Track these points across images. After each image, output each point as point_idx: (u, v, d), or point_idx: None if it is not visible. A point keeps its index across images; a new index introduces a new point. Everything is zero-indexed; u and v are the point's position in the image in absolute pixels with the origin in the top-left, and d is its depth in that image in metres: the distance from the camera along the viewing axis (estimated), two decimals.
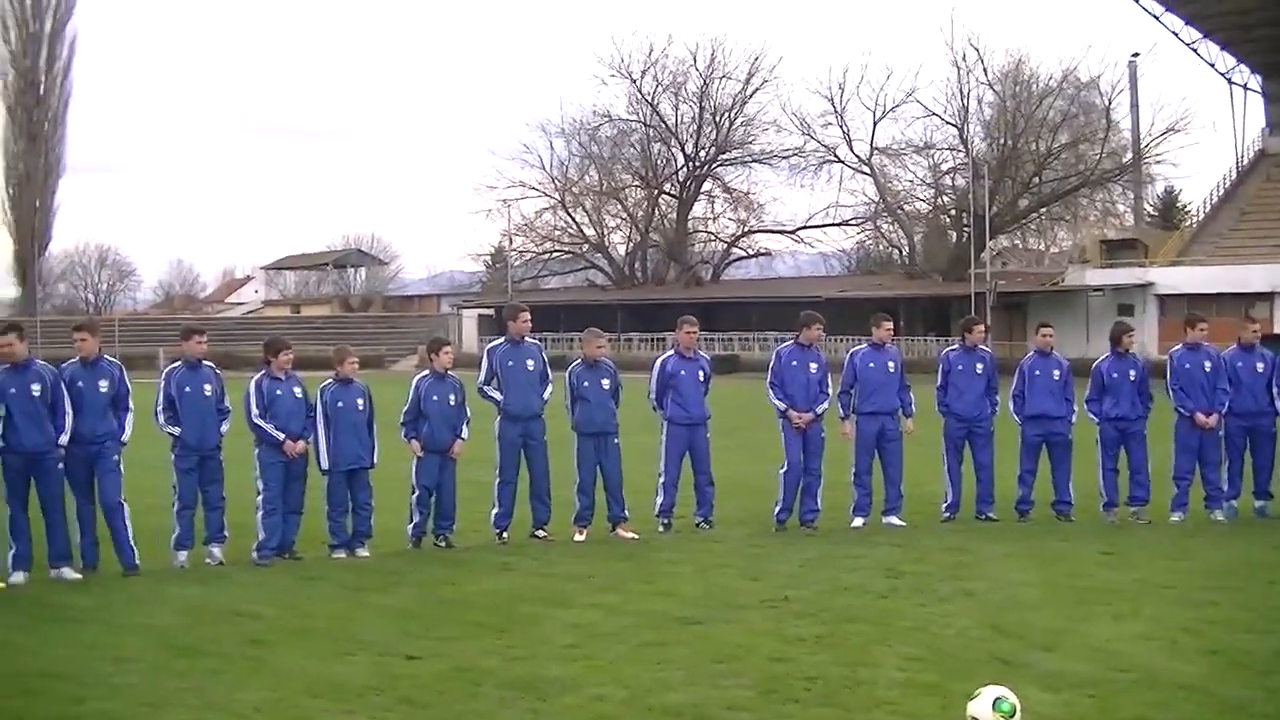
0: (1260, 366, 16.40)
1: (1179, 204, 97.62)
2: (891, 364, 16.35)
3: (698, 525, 15.75)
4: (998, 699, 7.47)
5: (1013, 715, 7.41)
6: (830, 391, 16.05)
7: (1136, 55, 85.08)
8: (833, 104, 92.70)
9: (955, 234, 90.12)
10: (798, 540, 14.99)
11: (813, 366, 16.00)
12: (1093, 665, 9.07)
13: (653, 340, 73.56)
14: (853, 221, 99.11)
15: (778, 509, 15.88)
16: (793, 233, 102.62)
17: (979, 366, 16.56)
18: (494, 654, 9.56)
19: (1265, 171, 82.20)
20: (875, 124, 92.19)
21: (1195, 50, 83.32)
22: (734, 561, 13.49)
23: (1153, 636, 9.94)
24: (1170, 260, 74.90)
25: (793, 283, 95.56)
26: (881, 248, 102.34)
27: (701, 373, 15.96)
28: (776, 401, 15.84)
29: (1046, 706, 8.00)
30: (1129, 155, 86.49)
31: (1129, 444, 16.34)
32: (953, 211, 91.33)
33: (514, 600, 11.63)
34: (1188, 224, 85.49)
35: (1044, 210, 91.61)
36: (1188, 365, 16.36)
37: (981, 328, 17.22)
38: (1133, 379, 16.40)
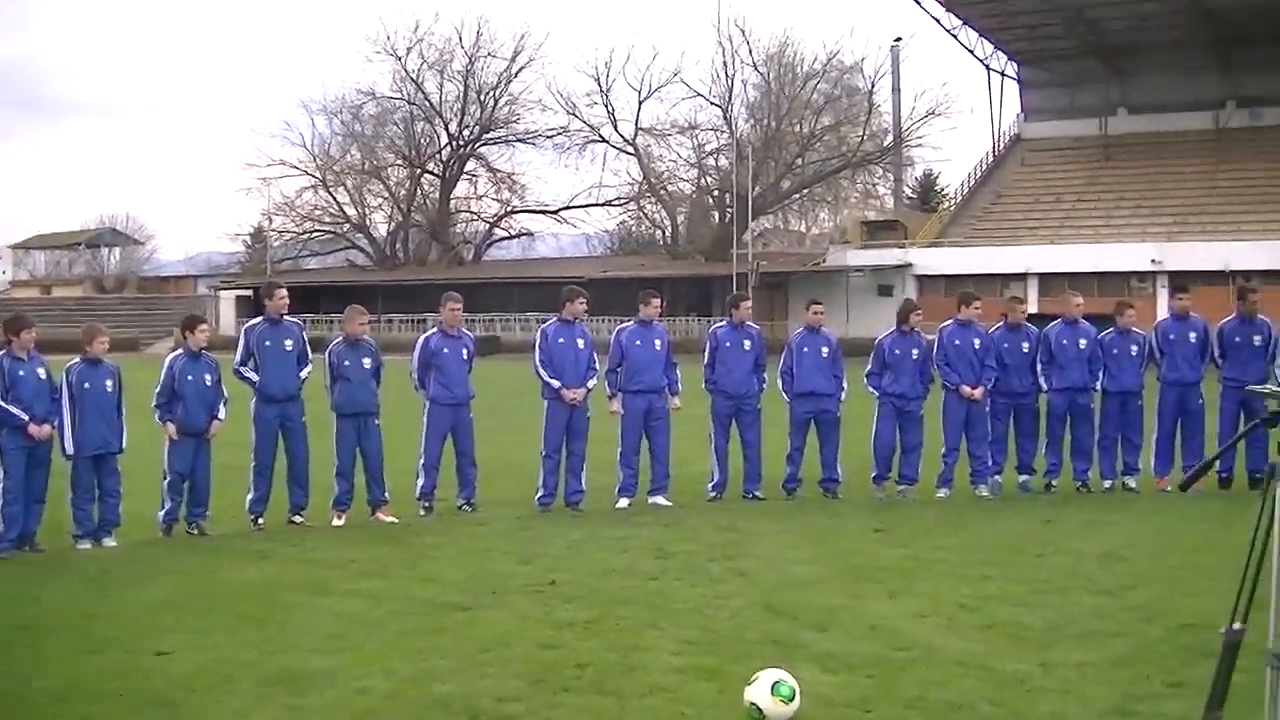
0: (1026, 346, 16.59)
1: (937, 187, 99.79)
2: (658, 341, 16.10)
3: (460, 508, 15.33)
4: (776, 683, 7.25)
5: (792, 699, 7.20)
6: (599, 369, 15.77)
7: (899, 40, 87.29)
8: (598, 83, 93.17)
9: (718, 214, 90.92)
10: (564, 522, 14.65)
11: (580, 343, 15.69)
12: (870, 644, 8.89)
13: (414, 321, 72.77)
14: (616, 202, 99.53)
15: (540, 493, 15.53)
16: (555, 213, 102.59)
17: (746, 343, 16.38)
18: (251, 647, 9.01)
19: (1020, 156, 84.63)
20: (640, 104, 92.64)
21: (955, 36, 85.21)
22: (499, 545, 13.11)
23: (929, 613, 9.84)
24: (929, 241, 76.58)
25: (555, 263, 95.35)
26: (644, 228, 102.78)
27: (465, 351, 15.54)
28: (548, 379, 15.48)
29: (825, 688, 7.78)
30: (890, 138, 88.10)
31: (904, 422, 16.35)
32: (716, 192, 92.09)
33: (272, 589, 11.07)
34: (946, 206, 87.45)
35: (806, 191, 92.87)
36: (957, 342, 16.46)
37: (748, 304, 17.04)
38: (915, 357, 16.41)
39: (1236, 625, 5.51)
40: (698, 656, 8.59)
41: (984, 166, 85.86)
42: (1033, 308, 58.48)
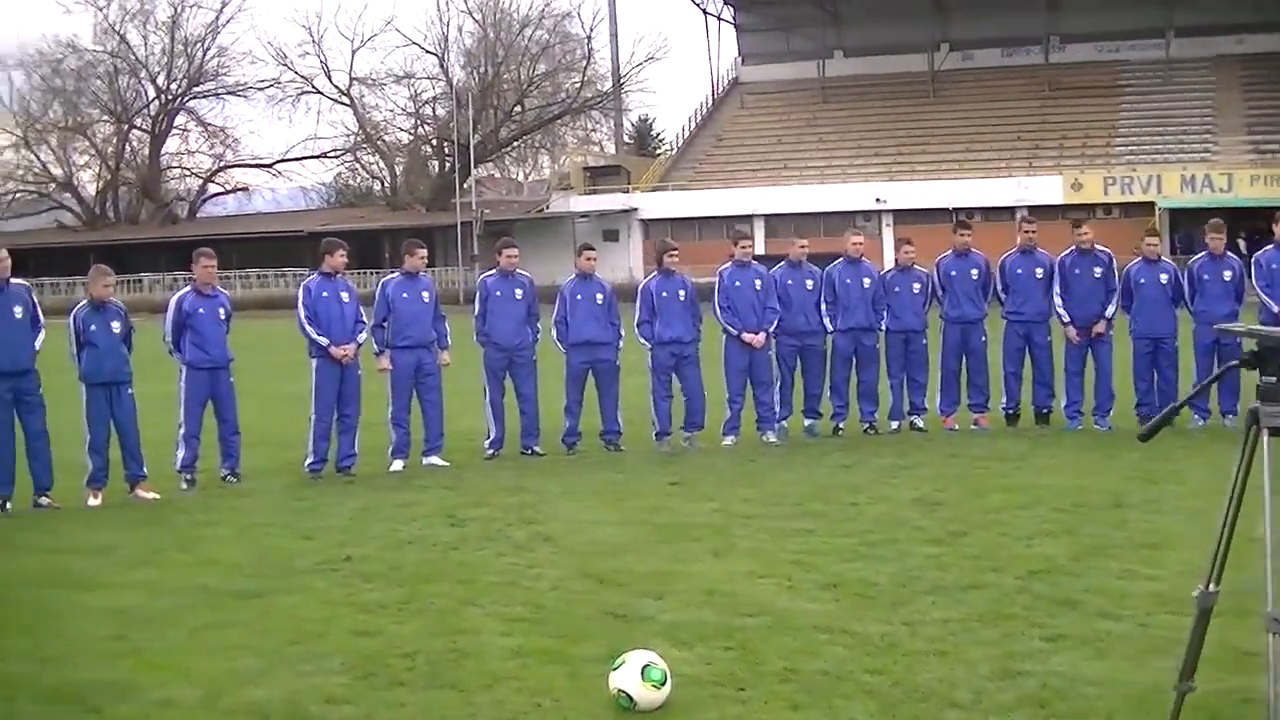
0: (810, 284, 16.03)
1: (654, 131, 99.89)
2: (426, 294, 15.13)
3: (224, 479, 14.14)
4: (646, 666, 6.48)
5: (664, 682, 6.46)
6: (367, 322, 14.75)
7: None
8: (310, 33, 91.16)
9: (437, 164, 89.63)
10: (339, 490, 13.59)
11: (344, 296, 14.63)
12: (714, 611, 8.16)
13: (129, 282, 69.79)
14: (332, 153, 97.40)
15: (310, 459, 14.44)
16: (270, 166, 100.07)
17: (518, 292, 15.51)
18: (22, 657, 7.66)
19: (739, 99, 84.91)
20: (354, 53, 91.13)
21: None
22: (276, 519, 11.98)
23: (764, 573, 9.17)
24: (652, 186, 76.30)
25: (272, 218, 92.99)
26: (361, 180, 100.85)
27: (222, 310, 14.33)
28: (315, 336, 14.37)
29: (686, 665, 7.00)
30: (609, 84, 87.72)
31: (682, 369, 15.66)
32: (434, 141, 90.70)
33: (29, 586, 9.68)
34: (665, 151, 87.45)
35: (525, 139, 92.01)
36: (738, 283, 15.79)
37: (515, 251, 16.04)
38: (683, 299, 15.70)
39: (1211, 588, 4.89)
40: (532, 637, 7.74)
41: (704, 110, 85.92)
42: (759, 249, 58.88)
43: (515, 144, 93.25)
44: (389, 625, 8.12)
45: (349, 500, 12.84)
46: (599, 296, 15.65)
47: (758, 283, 15.81)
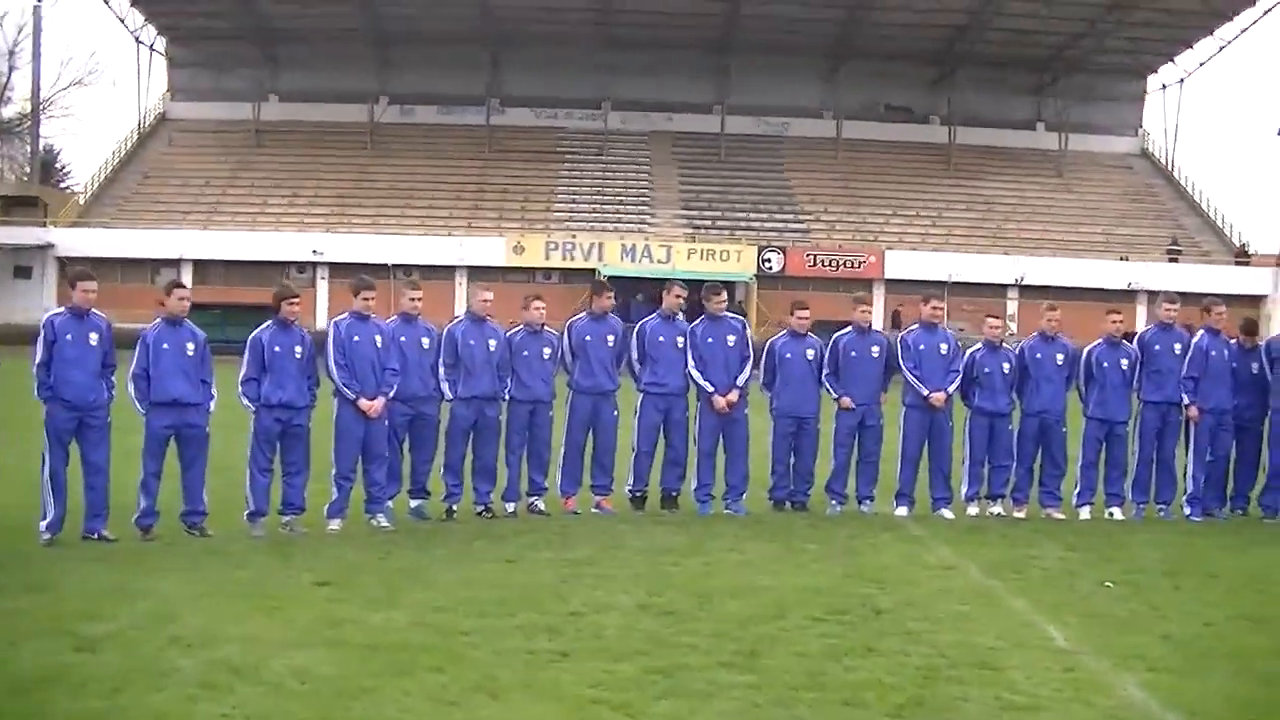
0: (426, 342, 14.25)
1: (58, 164, 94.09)
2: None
3: None
4: None
5: None
6: None
7: (41, 1, 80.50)
8: None
9: None
10: None
11: None
12: None
13: None
14: None
15: None
16: None
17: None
18: None
19: (167, 136, 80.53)
20: None
21: (108, 3, 79.18)
22: None
23: None
24: (72, 221, 71.07)
25: None
26: None
27: None
28: None
29: None
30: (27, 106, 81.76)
31: (288, 440, 13.38)
32: None
33: None
34: (74, 184, 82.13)
35: None
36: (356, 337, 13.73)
37: None
38: (299, 356, 13.39)
39: None
40: None
41: (129, 144, 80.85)
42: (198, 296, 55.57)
43: None
44: None
45: None
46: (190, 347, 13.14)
47: (378, 338, 13.69)
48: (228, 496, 13.58)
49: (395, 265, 61.09)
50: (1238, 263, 69.55)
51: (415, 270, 57.15)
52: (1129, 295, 62.92)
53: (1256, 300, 63.54)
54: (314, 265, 66.84)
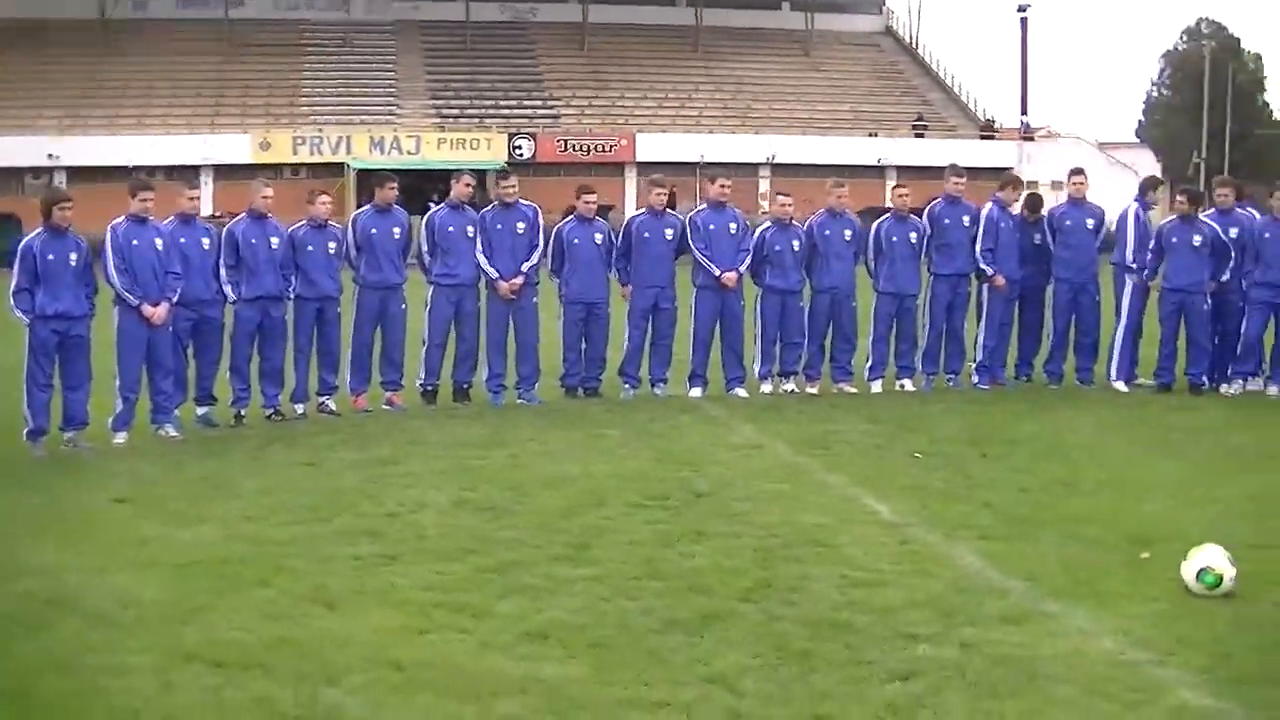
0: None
1: None
2: None
3: None
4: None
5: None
6: None
7: None
8: None
9: None
10: None
11: None
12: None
13: None
14: None
15: None
16: None
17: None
18: None
19: None
20: None
21: None
22: None
23: (425, 627, 6.93)
24: None
25: None
26: None
27: None
28: None
29: None
30: None
31: (67, 352, 12.61)
32: None
33: None
34: None
35: None
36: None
37: None
38: (74, 263, 12.56)
39: None
40: None
41: None
42: None
43: None
44: None
45: None
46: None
47: (158, 241, 13.02)
48: (3, 413, 12.87)
49: (136, 167, 58.59)
50: (983, 137, 70.85)
51: (158, 171, 55.49)
52: (878, 171, 63.73)
53: (1001, 173, 64.82)
54: (50, 170, 64.16)
